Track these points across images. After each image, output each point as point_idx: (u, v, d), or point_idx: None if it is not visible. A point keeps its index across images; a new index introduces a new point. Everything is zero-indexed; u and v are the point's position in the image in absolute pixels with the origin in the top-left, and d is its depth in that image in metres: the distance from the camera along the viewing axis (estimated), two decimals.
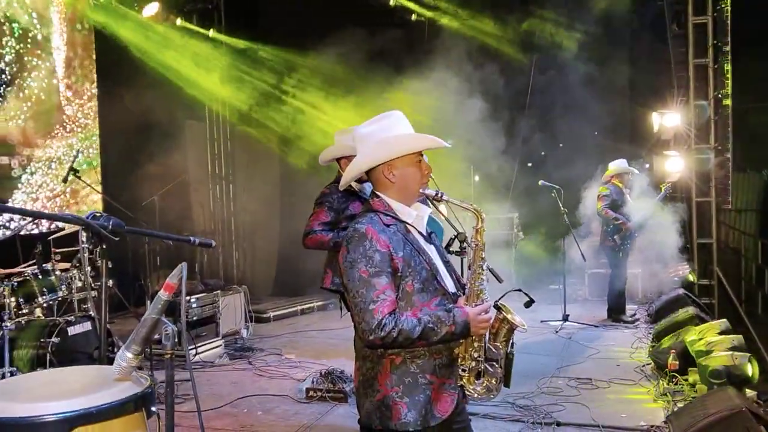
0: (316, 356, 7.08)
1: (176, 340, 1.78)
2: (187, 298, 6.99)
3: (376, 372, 2.57)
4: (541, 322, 8.31)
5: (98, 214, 2.05)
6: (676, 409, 4.95)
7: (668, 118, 8.74)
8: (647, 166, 10.36)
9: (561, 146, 10.81)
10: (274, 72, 10.58)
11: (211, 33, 10.18)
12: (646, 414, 5.16)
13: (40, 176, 8.49)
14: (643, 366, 6.37)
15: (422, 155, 2.70)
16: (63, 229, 6.33)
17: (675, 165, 8.54)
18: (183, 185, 10.53)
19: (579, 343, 7.40)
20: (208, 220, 11.45)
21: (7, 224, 7.80)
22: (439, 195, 2.68)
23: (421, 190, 2.67)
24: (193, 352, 6.82)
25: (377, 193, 2.68)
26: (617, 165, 8.44)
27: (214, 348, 7.20)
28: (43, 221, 8.01)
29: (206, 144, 11.53)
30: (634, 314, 8.55)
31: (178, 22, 9.54)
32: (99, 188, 8.88)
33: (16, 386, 1.91)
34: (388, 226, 2.57)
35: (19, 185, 8.21)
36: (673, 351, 5.84)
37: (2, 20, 8.01)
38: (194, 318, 7.02)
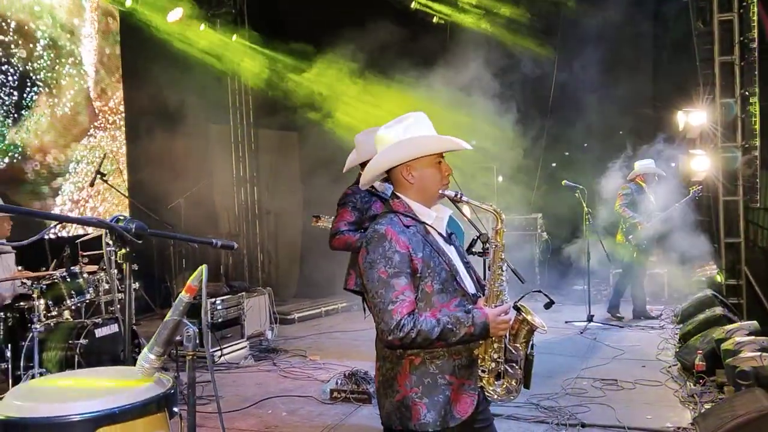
0: (340, 357, 7.11)
1: (198, 341, 1.81)
2: (213, 299, 7.07)
3: (395, 372, 2.58)
4: (566, 322, 8.26)
5: (121, 217, 2.09)
6: (703, 411, 4.89)
7: (694, 117, 8.63)
8: (673, 165, 10.25)
9: (585, 146, 10.74)
10: (297, 74, 10.64)
11: (235, 38, 10.26)
12: (673, 415, 5.10)
13: (68, 180, 8.63)
14: (670, 367, 6.31)
15: (442, 156, 2.70)
16: (90, 232, 6.43)
17: (701, 164, 8.43)
18: (207, 188, 10.65)
19: (603, 343, 7.35)
20: (233, 222, 11.54)
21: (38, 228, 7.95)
22: (459, 196, 2.68)
23: (440, 191, 2.68)
24: (219, 353, 6.89)
25: (397, 194, 2.70)
26: (642, 165, 8.38)
27: (239, 349, 7.26)
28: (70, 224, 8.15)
29: (230, 147, 11.63)
30: (660, 314, 8.46)
31: (202, 27, 9.61)
32: (125, 191, 9.00)
33: (41, 387, 1.95)
34: (407, 227, 2.58)
35: (48, 189, 8.36)
36: (700, 352, 5.77)
37: (35, 29, 8.17)
38: (219, 320, 7.09)
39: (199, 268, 1.81)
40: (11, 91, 7.89)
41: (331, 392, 5.77)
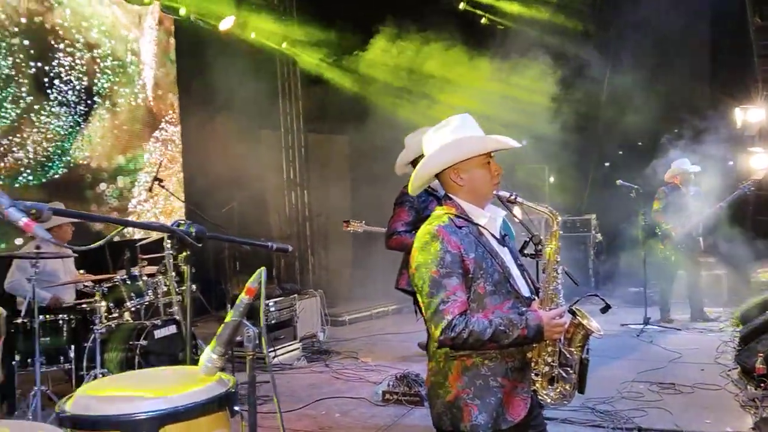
0: (391, 360, 7.14)
1: (257, 342, 1.86)
2: (266, 301, 7.17)
3: (447, 373, 2.58)
4: (621, 325, 8.12)
5: (182, 222, 2.15)
6: (764, 415, 4.76)
7: (752, 114, 8.40)
8: (731, 163, 9.98)
9: (639, 144, 10.55)
10: (347, 78, 10.73)
11: (284, 46, 10.40)
12: (733, 420, 4.97)
13: (128, 186, 8.89)
14: (729, 370, 6.13)
15: (491, 157, 2.69)
16: (149, 236, 6.61)
17: (760, 162, 8.20)
18: (259, 192, 10.81)
19: (660, 346, 7.20)
20: (284, 225, 11.69)
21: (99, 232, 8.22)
22: (514, 197, 2.67)
23: (494, 192, 2.67)
24: (272, 354, 6.99)
25: (449, 195, 2.70)
26: (676, 165, 8.23)
27: (292, 351, 7.36)
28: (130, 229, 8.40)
29: (281, 151, 11.78)
30: (718, 317, 8.26)
31: (253, 35, 9.79)
32: (182, 196, 9.22)
33: (108, 386, 2.03)
34: (460, 227, 2.58)
35: (109, 194, 8.63)
36: (761, 354, 5.60)
37: (98, 43, 8.46)
38: (273, 321, 7.19)
39: (258, 270, 1.86)
40: (74, 100, 8.16)
41: (384, 394, 5.80)
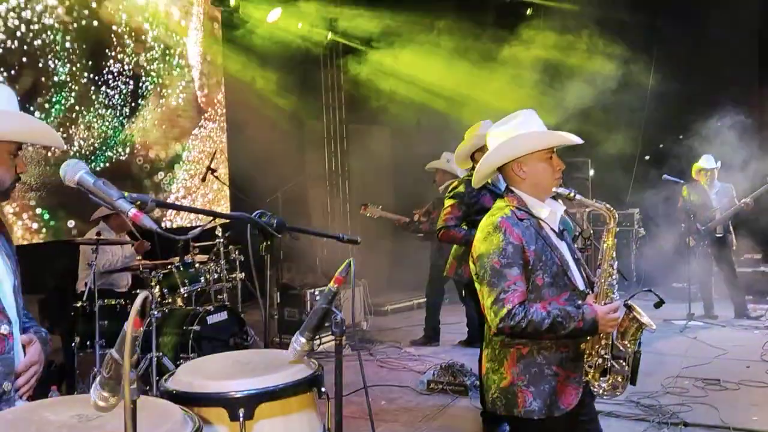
0: (434, 350, 7.24)
1: (344, 328, 1.97)
2: (312, 290, 7.32)
3: (502, 360, 2.67)
4: (665, 321, 8.10)
5: (264, 213, 2.26)
6: None
7: None
8: None
9: (681, 137, 10.43)
10: (388, 72, 10.80)
11: (330, 36, 10.51)
12: None
13: (177, 176, 9.11)
14: None
15: (553, 151, 2.77)
16: (203, 224, 6.77)
17: None
18: (302, 182, 10.95)
19: (705, 342, 7.16)
20: (326, 216, 11.83)
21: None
22: (573, 194, 2.74)
23: (554, 189, 2.74)
24: (318, 342, 7.13)
25: (511, 188, 2.78)
26: (699, 162, 8.22)
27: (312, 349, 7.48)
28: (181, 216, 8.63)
29: (323, 142, 11.92)
30: (763, 314, 8.19)
31: (300, 25, 9.91)
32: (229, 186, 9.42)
33: (206, 366, 2.16)
34: (521, 220, 2.67)
35: (161, 185, 8.85)
36: None
37: (147, 34, 8.66)
38: None
39: (347, 260, 1.96)
40: (124, 90, 8.38)
41: (428, 383, 5.91)
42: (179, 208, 6.32)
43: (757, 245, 9.12)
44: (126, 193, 1.83)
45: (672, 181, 8.15)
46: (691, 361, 6.44)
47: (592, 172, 10.39)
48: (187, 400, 1.69)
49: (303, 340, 2.03)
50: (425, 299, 7.95)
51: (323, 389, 2.05)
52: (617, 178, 9.93)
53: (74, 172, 1.85)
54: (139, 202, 1.81)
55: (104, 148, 8.11)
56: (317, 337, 7.00)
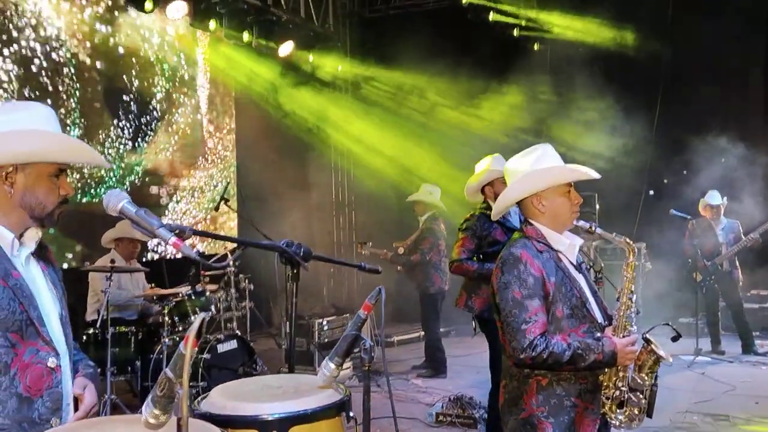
0: (441, 382, 7.23)
1: (372, 355, 2.02)
2: (320, 320, 7.35)
3: (522, 391, 2.69)
4: (672, 356, 8.07)
5: (291, 242, 2.33)
6: None
7: None
8: None
9: (684, 173, 10.50)
10: (394, 102, 10.96)
11: (341, 68, 10.69)
12: None
13: (184, 204, 9.20)
14: None
15: (571, 186, 2.84)
16: (216, 254, 6.84)
17: None
18: (308, 213, 11.04)
19: (713, 378, 7.15)
20: (332, 246, 11.89)
21: (155, 248, 8.51)
22: (593, 228, 2.80)
23: (574, 222, 2.81)
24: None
25: (530, 221, 2.84)
26: (706, 198, 8.29)
27: (344, 369, 7.46)
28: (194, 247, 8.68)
29: (330, 173, 12.02)
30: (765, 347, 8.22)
31: (311, 58, 10.08)
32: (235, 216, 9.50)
33: (238, 389, 2.21)
34: (541, 252, 2.72)
35: (167, 212, 8.93)
36: None
37: (155, 62, 8.81)
38: (325, 340, 7.35)
39: (376, 288, 2.02)
40: (132, 120, 8.50)
41: (437, 416, 5.89)
42: (215, 237, 6.46)
43: (764, 281, 9.12)
44: (165, 222, 1.89)
45: (679, 216, 8.21)
46: (700, 397, 6.44)
47: (598, 207, 10.44)
48: (221, 422, 1.74)
49: (332, 365, 2.09)
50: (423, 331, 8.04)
51: (351, 414, 2.10)
52: (624, 212, 9.96)
53: (117, 201, 1.91)
54: (178, 231, 1.87)
55: (113, 175, 8.21)
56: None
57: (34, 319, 1.94)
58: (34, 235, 2.07)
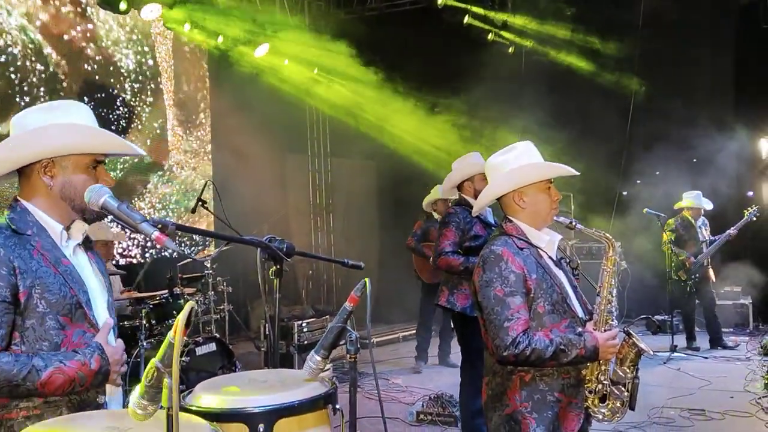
0: (421, 381, 7.24)
1: (358, 347, 2.03)
2: (299, 322, 7.32)
3: (505, 387, 2.70)
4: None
5: (273, 237, 2.32)
6: None
7: None
8: (750, 193, 10.08)
9: (657, 174, 10.65)
10: (372, 102, 10.95)
11: (316, 72, 10.66)
12: None
13: (159, 207, 9.11)
14: (760, 398, 6.19)
15: (551, 182, 2.87)
16: (193, 257, 6.78)
17: None
18: (286, 216, 10.99)
19: (688, 374, 7.25)
20: (310, 249, 11.84)
21: (124, 252, 8.42)
22: (573, 223, 2.83)
23: (554, 218, 2.83)
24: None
25: (510, 217, 2.86)
26: (688, 198, 8.40)
27: (323, 371, 7.44)
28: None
29: (307, 175, 11.99)
30: (737, 345, 8.36)
31: (286, 62, 10.05)
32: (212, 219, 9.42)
33: (223, 384, 2.19)
34: (521, 249, 2.74)
35: (147, 213, 8.83)
36: None
37: (122, 62, 8.72)
38: (305, 342, 7.31)
39: (362, 281, 2.03)
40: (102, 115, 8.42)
41: (417, 414, 5.90)
42: (197, 232, 6.43)
43: (735, 277, 9.28)
44: (148, 217, 1.88)
45: (653, 214, 8.31)
46: (676, 392, 6.52)
47: (573, 207, 10.55)
48: (207, 416, 1.73)
49: (318, 358, 2.09)
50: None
51: (338, 406, 2.10)
52: (599, 211, 10.08)
53: (99, 196, 1.93)
54: (160, 226, 1.86)
55: None
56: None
57: (83, 303, 2.05)
58: (80, 228, 2.16)
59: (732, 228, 8.17)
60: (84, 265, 2.16)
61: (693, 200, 8.41)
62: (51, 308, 1.98)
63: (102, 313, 2.14)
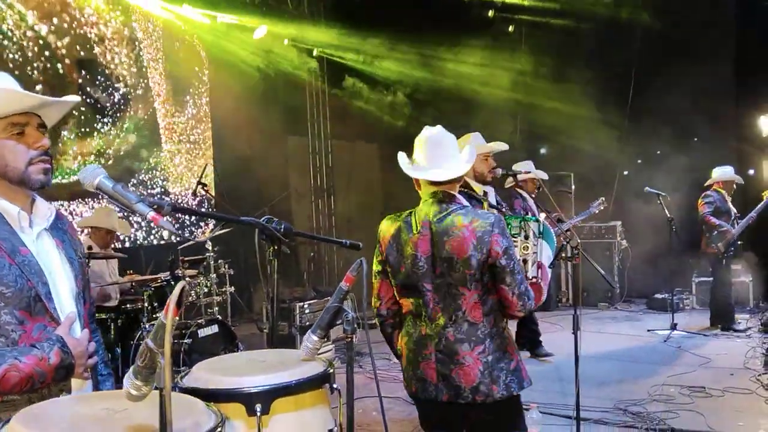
0: None
1: (355, 326, 2.04)
2: (301, 303, 7.35)
3: (505, 345, 2.94)
4: (648, 330, 8.21)
5: (271, 218, 2.32)
6: None
7: None
8: (751, 172, 10.04)
9: (658, 153, 10.63)
10: (376, 85, 10.91)
11: (315, 52, 10.62)
12: (766, 423, 5.07)
13: (156, 190, 9.11)
14: (759, 375, 6.21)
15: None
16: (192, 239, 6.79)
17: None
18: (287, 198, 11.00)
19: (688, 351, 7.28)
20: (311, 231, 11.85)
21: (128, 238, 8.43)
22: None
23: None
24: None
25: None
26: (722, 171, 8.23)
27: (325, 352, 7.51)
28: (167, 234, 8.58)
29: (308, 157, 11.97)
30: (742, 323, 8.33)
31: (285, 42, 10.00)
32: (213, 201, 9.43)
33: (221, 364, 2.21)
34: None
35: (148, 197, 8.81)
36: None
37: (119, 48, 8.68)
38: (307, 323, 7.34)
39: (358, 260, 2.03)
40: (108, 100, 8.38)
41: None
42: (195, 213, 6.39)
43: (738, 256, 9.27)
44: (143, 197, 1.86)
45: (654, 193, 8.28)
46: (676, 370, 6.55)
47: (574, 186, 10.54)
48: (204, 396, 1.74)
49: (315, 338, 2.10)
50: None
51: (335, 385, 2.12)
52: (599, 191, 10.09)
53: (93, 176, 1.83)
54: (156, 206, 1.85)
55: (89, 161, 8.08)
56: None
57: (42, 295, 1.92)
58: (45, 211, 2.05)
59: (753, 211, 8.03)
60: (49, 252, 2.02)
61: (728, 174, 8.23)
62: (6, 302, 1.85)
63: (66, 305, 2.01)
